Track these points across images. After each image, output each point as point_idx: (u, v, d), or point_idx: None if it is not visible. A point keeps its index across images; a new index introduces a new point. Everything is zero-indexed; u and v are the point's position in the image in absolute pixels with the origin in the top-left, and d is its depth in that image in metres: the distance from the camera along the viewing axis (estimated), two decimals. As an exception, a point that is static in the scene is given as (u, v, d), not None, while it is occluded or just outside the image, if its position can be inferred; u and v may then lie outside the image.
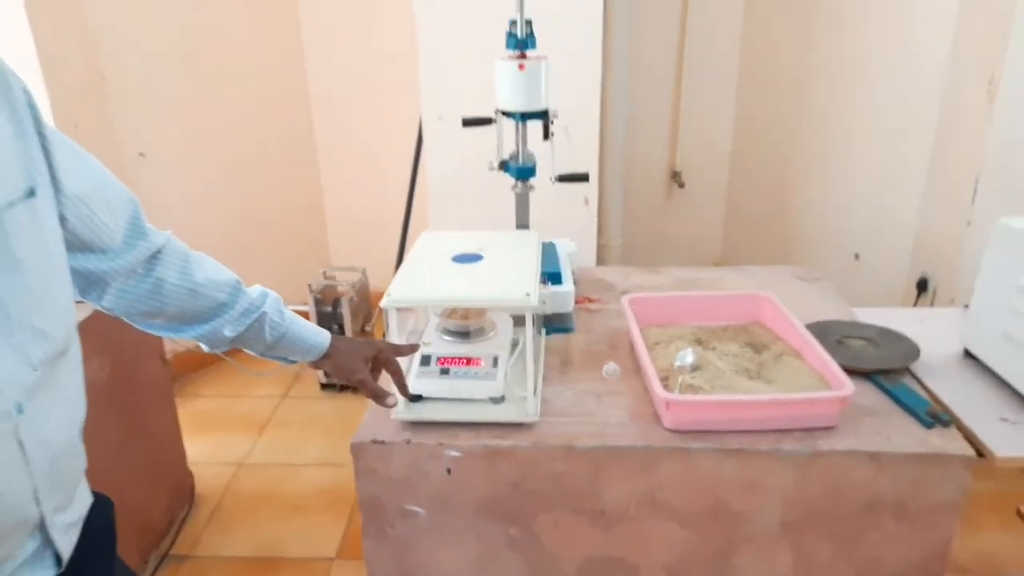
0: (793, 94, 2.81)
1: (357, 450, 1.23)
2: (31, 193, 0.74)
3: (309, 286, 2.76)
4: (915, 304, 2.43)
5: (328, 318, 2.80)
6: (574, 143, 2.19)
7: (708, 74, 2.89)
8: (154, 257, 1.01)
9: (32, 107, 0.79)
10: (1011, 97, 2.06)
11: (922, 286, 2.41)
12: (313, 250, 3.31)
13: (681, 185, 3.01)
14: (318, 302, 2.77)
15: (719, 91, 2.93)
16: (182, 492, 2.26)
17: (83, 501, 0.86)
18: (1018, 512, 1.62)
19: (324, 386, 2.90)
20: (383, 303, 1.18)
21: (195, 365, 2.96)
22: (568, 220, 2.28)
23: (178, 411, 2.24)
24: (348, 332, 2.77)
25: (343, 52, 2.99)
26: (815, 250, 2.83)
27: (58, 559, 0.80)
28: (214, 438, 2.59)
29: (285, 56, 2.94)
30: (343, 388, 2.88)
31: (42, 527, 0.77)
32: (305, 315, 2.83)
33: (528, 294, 1.16)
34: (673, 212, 3.10)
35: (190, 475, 2.31)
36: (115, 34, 2.47)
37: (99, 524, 0.88)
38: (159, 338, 2.11)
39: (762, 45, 2.83)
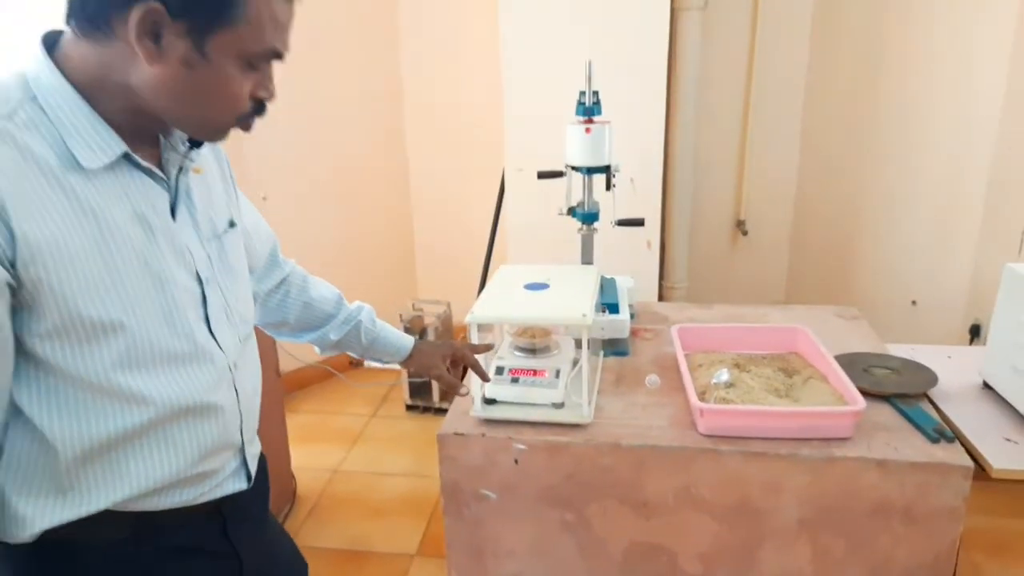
0: (854, 144, 2.98)
1: (442, 440, 1.50)
2: (232, 224, 1.07)
3: (400, 316, 3.09)
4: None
5: (415, 345, 3.11)
6: (639, 192, 2.45)
7: (773, 126, 3.09)
8: (283, 280, 1.35)
9: (227, 160, 1.13)
10: (1054, 154, 2.19)
11: (975, 332, 2.52)
12: (403, 284, 3.67)
13: (745, 233, 3.20)
14: (407, 330, 3.09)
15: (784, 142, 3.12)
16: (286, 492, 2.58)
17: (257, 444, 1.17)
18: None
19: (409, 407, 3.20)
20: (467, 319, 1.45)
21: (301, 384, 3.33)
22: (631, 261, 2.52)
23: (286, 422, 2.59)
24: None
25: (438, 107, 3.37)
26: (875, 297, 2.96)
27: (248, 477, 1.09)
28: (314, 447, 2.92)
29: (387, 110, 3.34)
30: (426, 409, 3.17)
31: (241, 450, 1.07)
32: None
33: (584, 315, 1.41)
34: (737, 258, 3.28)
35: (293, 478, 2.64)
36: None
37: (262, 467, 1.18)
38: (276, 356, 2.47)
39: (825, 95, 3.02)
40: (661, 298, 2.85)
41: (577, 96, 1.77)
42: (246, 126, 0.92)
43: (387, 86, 3.36)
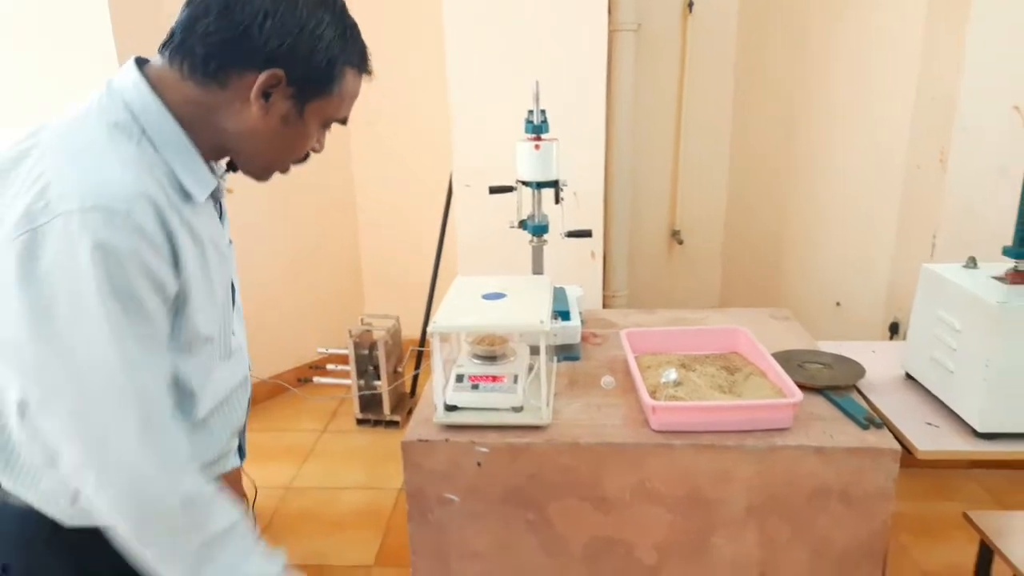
0: (779, 161, 3.17)
1: (406, 447, 1.54)
2: (230, 243, 1.13)
3: (349, 331, 3.10)
4: (890, 346, 2.72)
5: (365, 360, 3.13)
6: (582, 206, 2.55)
7: (703, 140, 3.25)
8: None
9: None
10: (957, 167, 2.40)
11: (894, 329, 2.71)
12: (351, 301, 3.67)
13: (680, 242, 3.35)
14: (357, 345, 3.11)
15: (714, 156, 3.29)
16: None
17: None
18: (965, 516, 1.89)
19: (360, 421, 3.21)
20: (430, 328, 1.50)
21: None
22: (577, 271, 2.61)
23: (235, 440, 2.57)
24: (383, 371, 3.09)
25: (383, 123, 3.41)
26: (803, 299, 3.14)
27: (242, 454, 1.25)
28: (266, 466, 2.89)
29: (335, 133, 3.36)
30: (377, 423, 3.19)
31: (243, 431, 1.20)
32: (345, 358, 3.17)
33: (542, 321, 1.49)
34: (674, 267, 3.42)
35: (245, 497, 2.61)
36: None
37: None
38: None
39: (751, 112, 3.20)
40: (604, 306, 2.95)
41: (525, 114, 1.85)
42: (286, 169, 1.06)
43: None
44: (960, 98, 2.35)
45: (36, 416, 0.86)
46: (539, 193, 1.91)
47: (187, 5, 0.91)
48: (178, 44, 0.90)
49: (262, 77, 0.90)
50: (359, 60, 1.00)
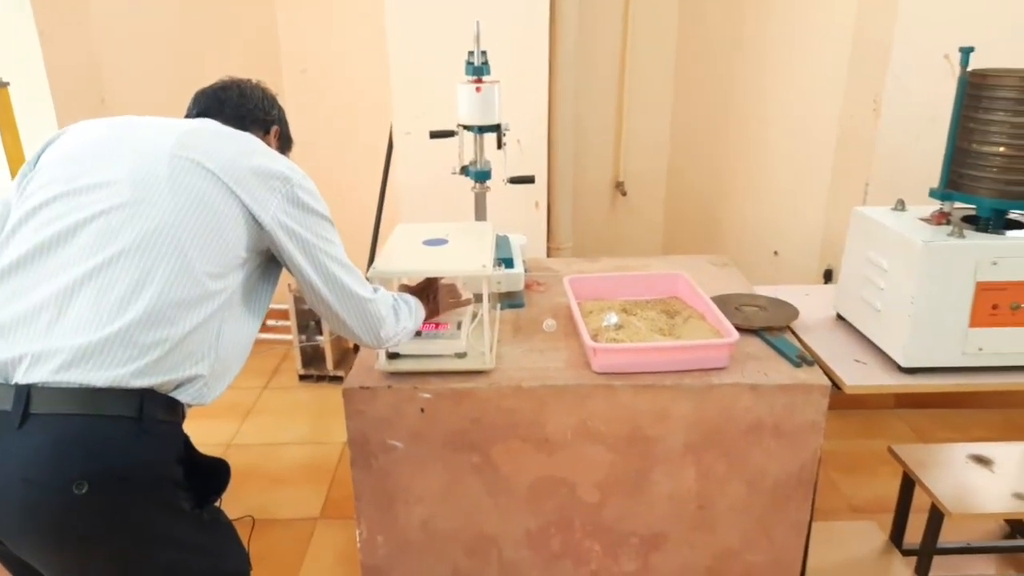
0: (720, 113, 3.19)
1: (348, 394, 1.53)
2: None
3: (288, 286, 3.03)
4: (823, 292, 2.81)
5: (306, 314, 3.08)
6: (526, 153, 2.53)
7: (646, 96, 3.26)
8: None
9: None
10: (891, 114, 2.46)
11: (828, 276, 2.80)
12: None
13: (624, 194, 3.37)
14: (297, 300, 3.05)
15: (656, 108, 3.30)
16: (177, 468, 2.51)
17: None
18: (889, 450, 1.99)
19: (302, 377, 3.17)
20: (369, 273, 1.48)
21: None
22: (521, 220, 2.60)
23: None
24: (324, 326, 3.05)
25: (320, 76, 3.30)
26: (742, 248, 3.20)
27: None
28: (203, 423, 2.83)
29: (264, 76, 3.23)
30: (320, 378, 3.15)
31: None
32: (285, 313, 3.12)
33: (484, 265, 1.48)
34: (618, 218, 3.45)
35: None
36: (117, 63, 2.77)
37: None
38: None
39: (692, 70, 3.21)
40: (549, 257, 2.95)
41: (465, 57, 1.80)
42: None
43: (263, 48, 3.25)
44: (894, 47, 2.39)
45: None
46: (481, 138, 1.89)
47: (212, 94, 1.46)
48: (215, 114, 1.40)
49: (274, 129, 1.51)
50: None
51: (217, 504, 1.28)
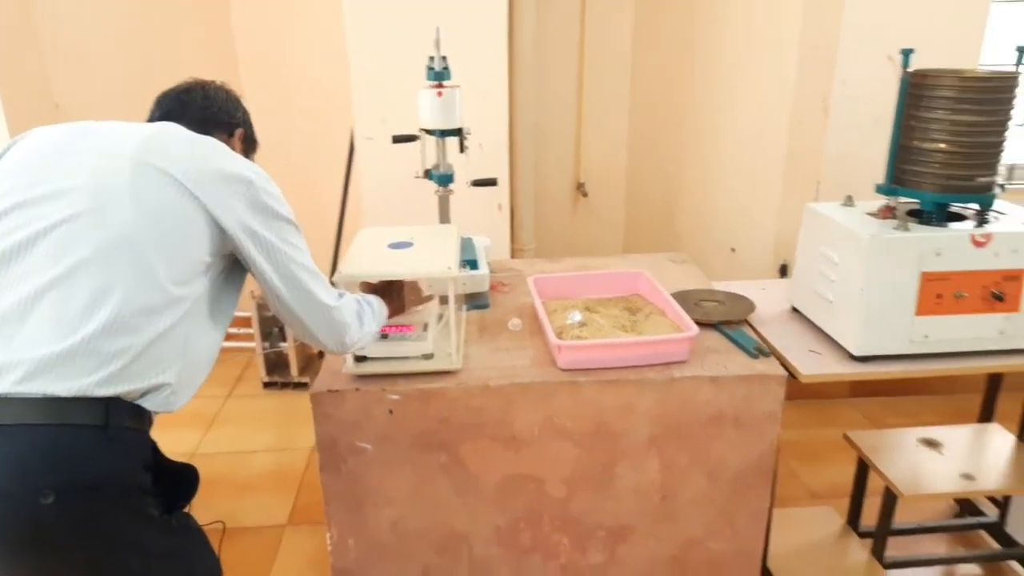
0: (676, 115, 3.27)
1: (316, 398, 1.53)
2: None
3: (252, 292, 3.01)
4: (779, 287, 2.89)
5: (269, 321, 3.06)
6: (487, 157, 2.55)
7: (604, 99, 3.31)
8: None
9: None
10: (838, 115, 2.55)
11: (783, 271, 2.88)
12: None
13: (585, 195, 3.42)
14: (260, 307, 3.02)
15: (615, 111, 3.35)
16: (141, 480, 2.47)
17: None
18: (845, 437, 2.06)
19: (267, 384, 3.14)
20: (335, 277, 1.49)
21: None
22: (485, 223, 2.63)
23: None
24: (288, 333, 3.03)
25: (279, 82, 3.28)
26: (701, 247, 3.27)
27: None
28: (166, 434, 2.78)
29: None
30: (284, 385, 3.13)
31: None
32: (248, 321, 3.10)
33: (449, 267, 1.50)
34: (579, 219, 3.49)
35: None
36: (69, 68, 2.72)
37: None
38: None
39: (648, 74, 3.28)
40: (512, 258, 2.98)
41: (426, 63, 1.82)
42: None
43: (220, 50, 3.21)
44: (839, 51, 2.48)
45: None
46: (443, 142, 1.91)
47: (175, 97, 1.42)
48: (178, 117, 1.36)
49: (239, 131, 1.48)
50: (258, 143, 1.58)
51: (186, 510, 1.28)
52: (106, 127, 1.26)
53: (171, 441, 2.70)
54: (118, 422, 1.10)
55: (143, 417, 1.16)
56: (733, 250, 3.14)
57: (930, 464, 1.94)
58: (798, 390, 2.77)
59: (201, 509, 2.37)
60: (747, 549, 1.70)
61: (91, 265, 1.10)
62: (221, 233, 1.20)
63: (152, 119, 1.39)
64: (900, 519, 2.13)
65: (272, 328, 3.11)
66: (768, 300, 1.91)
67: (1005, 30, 2.75)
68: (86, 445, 1.07)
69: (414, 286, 1.65)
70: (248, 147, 1.53)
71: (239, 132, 1.48)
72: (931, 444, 2.01)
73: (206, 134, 1.32)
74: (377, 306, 1.49)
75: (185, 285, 1.18)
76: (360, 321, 1.41)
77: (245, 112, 1.53)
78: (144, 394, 1.14)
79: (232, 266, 1.29)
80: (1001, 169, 1.57)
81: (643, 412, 1.56)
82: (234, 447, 2.75)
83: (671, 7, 3.16)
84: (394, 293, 1.60)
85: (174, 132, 1.27)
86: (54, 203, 1.13)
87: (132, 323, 1.11)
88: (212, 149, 1.26)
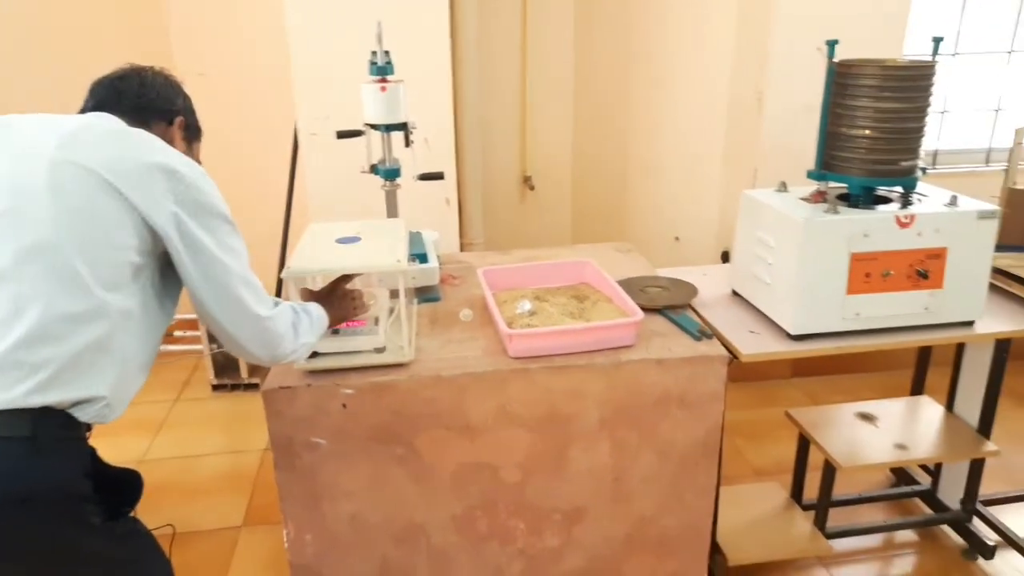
0: (619, 108, 3.33)
1: (268, 396, 1.53)
2: None
3: (197, 294, 2.96)
4: (722, 273, 2.98)
5: (217, 323, 3.01)
6: (434, 151, 2.57)
7: (548, 93, 3.36)
8: None
9: None
10: (772, 104, 2.64)
11: (725, 257, 2.97)
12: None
13: (532, 188, 3.45)
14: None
15: (558, 103, 3.40)
16: (88, 488, 2.42)
17: None
18: (787, 414, 2.14)
19: (216, 387, 3.10)
20: (283, 274, 1.49)
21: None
22: (433, 216, 2.64)
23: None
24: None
25: (218, 77, 3.22)
26: (646, 236, 3.35)
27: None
28: (112, 440, 2.72)
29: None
30: (235, 387, 3.09)
31: None
32: (194, 323, 3.04)
33: (399, 260, 1.51)
34: (527, 212, 3.53)
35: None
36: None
37: None
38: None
39: (590, 65, 3.33)
40: (462, 252, 3.00)
41: (370, 56, 1.83)
42: None
43: (154, 50, 3.14)
44: (771, 43, 2.57)
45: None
46: (388, 137, 1.91)
47: (109, 84, 1.32)
48: (112, 107, 1.28)
49: (178, 120, 1.39)
50: (201, 131, 1.50)
51: (133, 515, 1.27)
52: (27, 122, 1.19)
53: (117, 448, 2.68)
54: (47, 433, 1.07)
55: (77, 426, 1.12)
56: (677, 239, 3.22)
57: (866, 437, 2.04)
58: (742, 372, 2.86)
59: (152, 514, 2.34)
60: (696, 524, 1.76)
61: (10, 273, 1.06)
62: (150, 231, 1.14)
63: (85, 109, 1.31)
64: (840, 491, 2.24)
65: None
66: (710, 285, 1.98)
67: (929, 20, 2.89)
68: (14, 457, 1.04)
69: (357, 294, 1.59)
70: (191, 135, 1.44)
71: (179, 120, 1.39)
72: (867, 418, 2.11)
73: (142, 123, 1.27)
74: (316, 315, 1.43)
75: (116, 290, 1.13)
76: (295, 332, 1.33)
77: (186, 99, 1.44)
78: (75, 404, 1.11)
79: (167, 267, 1.22)
80: (923, 154, 1.65)
81: (593, 396, 1.60)
82: (184, 451, 2.70)
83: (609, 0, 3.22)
84: (335, 301, 1.53)
85: (101, 125, 1.21)
86: None
87: (56, 331, 1.07)
88: (140, 142, 1.19)
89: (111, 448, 2.71)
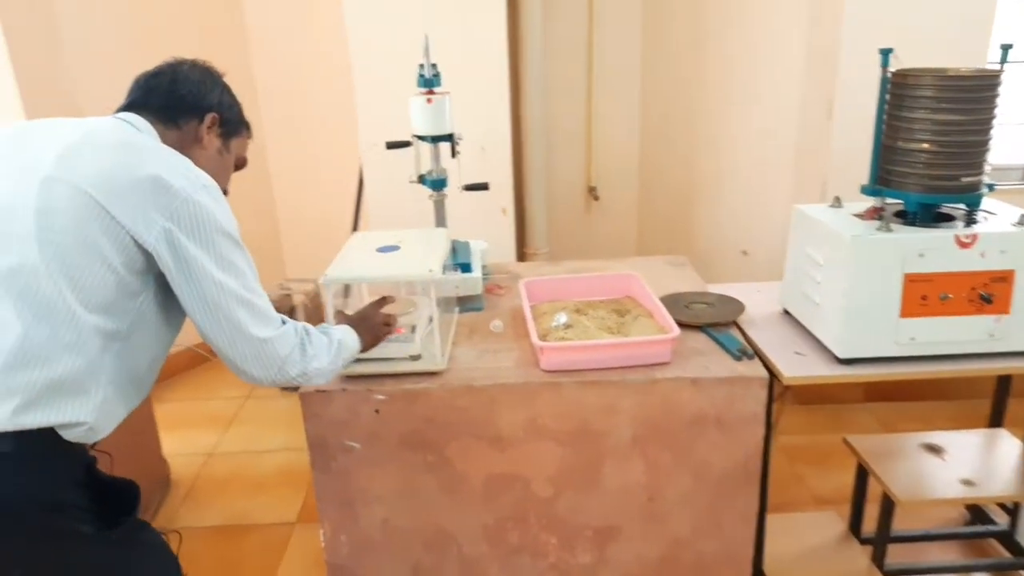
0: (687, 117, 3.26)
1: (305, 398, 1.59)
2: None
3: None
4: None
5: (286, 325, 3.14)
6: (489, 160, 2.59)
7: (615, 98, 3.33)
8: None
9: None
10: (842, 115, 2.52)
11: (793, 274, 2.85)
12: (272, 268, 3.66)
13: (596, 198, 3.43)
14: (276, 310, 3.10)
15: (626, 113, 3.37)
16: (159, 477, 2.57)
17: None
18: (844, 440, 2.04)
19: (284, 387, 3.22)
20: (321, 280, 1.54)
21: (166, 374, 3.27)
22: (489, 226, 2.66)
23: (154, 411, 2.57)
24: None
25: (292, 91, 3.38)
26: (713, 249, 3.26)
27: None
28: (186, 433, 2.89)
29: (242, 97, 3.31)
30: (298, 388, 3.20)
31: None
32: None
33: (430, 270, 1.53)
34: (592, 222, 3.51)
35: (165, 463, 2.62)
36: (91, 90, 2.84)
37: None
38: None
39: (658, 75, 3.28)
40: (523, 261, 3.02)
41: (418, 69, 1.87)
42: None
43: (234, 63, 3.31)
44: (841, 51, 2.46)
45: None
46: (436, 147, 1.95)
47: (143, 82, 1.31)
48: (141, 105, 1.27)
49: (208, 118, 1.32)
50: (247, 124, 1.44)
51: (142, 520, 1.28)
52: (41, 132, 1.18)
53: (190, 441, 2.83)
54: (28, 449, 1.07)
55: (63, 441, 1.11)
56: (744, 253, 3.12)
57: (931, 469, 1.91)
58: (809, 394, 2.75)
59: (216, 507, 2.47)
60: (736, 552, 1.69)
61: None
62: (141, 251, 1.11)
63: (120, 109, 1.29)
64: (907, 526, 2.11)
65: (289, 332, 3.19)
66: (763, 303, 1.91)
67: (1016, 27, 2.69)
68: None
69: (392, 319, 1.54)
70: (228, 131, 1.37)
71: (210, 117, 1.31)
72: (933, 449, 1.98)
73: (171, 121, 1.27)
74: (338, 337, 1.36)
75: (104, 311, 1.10)
76: (303, 353, 1.26)
77: (224, 92, 1.37)
78: (56, 427, 1.09)
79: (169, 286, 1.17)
80: (988, 169, 1.54)
81: (625, 412, 1.57)
82: (250, 447, 2.83)
83: (679, 7, 3.16)
84: (366, 325, 1.48)
85: (104, 136, 1.17)
86: None
87: (34, 356, 1.05)
88: (136, 153, 1.14)
89: (184, 441, 2.90)
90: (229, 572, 2.20)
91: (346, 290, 1.98)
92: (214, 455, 2.78)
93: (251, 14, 3.31)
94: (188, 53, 1.39)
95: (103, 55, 3.04)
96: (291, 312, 3.13)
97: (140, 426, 2.48)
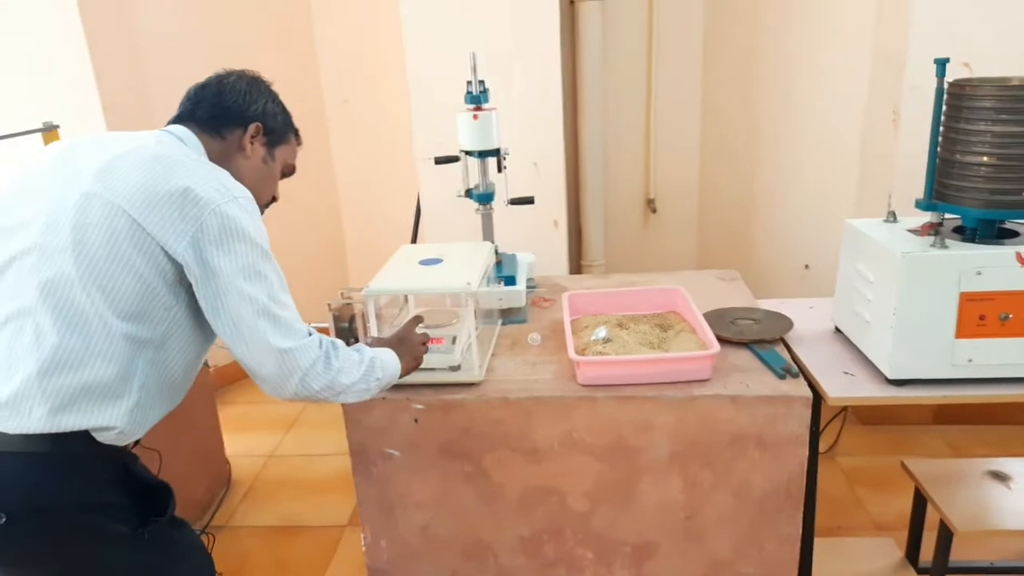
0: (747, 128, 3.19)
1: (346, 405, 1.63)
2: None
3: (328, 305, 3.19)
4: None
5: (345, 332, 3.22)
6: (543, 175, 2.61)
7: (674, 113, 3.29)
8: None
9: None
10: (909, 124, 2.42)
11: (856, 290, 2.74)
12: (336, 276, 3.77)
13: (654, 211, 3.40)
14: (336, 318, 3.19)
15: (685, 125, 3.32)
16: (221, 477, 2.68)
17: None
18: (902, 464, 1.95)
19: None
20: (364, 292, 1.59)
21: (234, 377, 3.41)
22: (541, 239, 2.67)
23: (219, 413, 2.69)
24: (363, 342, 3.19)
25: (358, 103, 3.48)
26: (774, 263, 3.18)
27: None
28: (249, 435, 3.01)
29: (309, 112, 3.43)
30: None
31: None
32: (325, 331, 3.26)
33: (469, 283, 1.56)
34: (650, 235, 3.47)
35: (227, 464, 2.73)
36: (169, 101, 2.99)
37: None
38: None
39: (718, 86, 3.23)
40: (581, 274, 3.01)
41: (465, 86, 1.91)
42: (266, 204, 1.45)
43: (306, 80, 3.45)
44: (909, 57, 2.36)
45: None
46: (484, 162, 1.98)
47: (192, 94, 1.35)
48: (188, 117, 1.33)
49: (252, 127, 1.35)
50: (296, 131, 1.47)
51: (179, 519, 1.30)
52: (86, 149, 1.22)
53: (252, 443, 2.95)
54: (65, 450, 1.12)
55: (96, 443, 1.15)
56: (807, 267, 3.03)
57: (995, 498, 1.80)
58: (874, 415, 2.64)
59: (272, 507, 2.55)
60: (778, 575, 1.64)
61: (33, 307, 1.11)
62: (172, 261, 1.15)
63: (170, 121, 1.35)
64: (968, 556, 2.00)
65: (348, 339, 3.27)
66: (814, 319, 1.85)
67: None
68: (33, 472, 1.10)
69: (425, 337, 1.54)
70: (274, 140, 1.39)
71: (254, 127, 1.34)
72: (999, 477, 1.87)
73: (215, 132, 1.31)
74: (370, 355, 1.34)
75: (139, 320, 1.15)
76: (327, 366, 1.24)
77: (270, 102, 1.39)
78: (93, 428, 1.14)
79: None
80: (1055, 182, 1.46)
81: (662, 429, 1.55)
82: (308, 449, 2.92)
83: (740, 17, 3.11)
84: (403, 347, 1.47)
85: (143, 150, 1.20)
86: (15, 237, 1.17)
87: (69, 362, 1.10)
88: (169, 167, 1.17)
89: (247, 443, 3.00)
90: (280, 571, 2.28)
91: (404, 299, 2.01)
92: (273, 457, 2.88)
93: (320, 33, 3.43)
94: (265, 69, 1.44)
95: (182, 68, 3.21)
96: (351, 320, 3.21)
97: (205, 428, 2.60)
